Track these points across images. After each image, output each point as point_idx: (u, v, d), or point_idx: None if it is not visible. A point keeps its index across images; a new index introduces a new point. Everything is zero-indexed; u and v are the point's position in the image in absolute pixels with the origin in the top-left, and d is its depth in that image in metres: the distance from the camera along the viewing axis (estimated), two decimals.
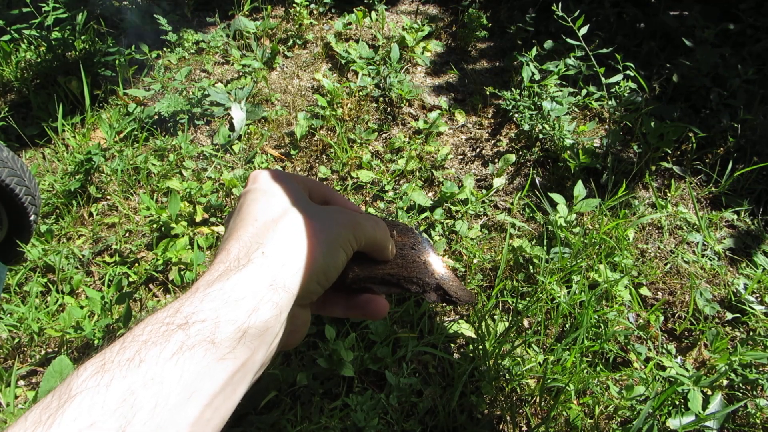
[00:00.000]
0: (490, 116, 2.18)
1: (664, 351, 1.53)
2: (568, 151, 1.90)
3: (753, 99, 2.12)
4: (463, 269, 1.66)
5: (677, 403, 1.36)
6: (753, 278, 1.63)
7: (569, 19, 1.92)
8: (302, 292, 0.46)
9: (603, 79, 1.96)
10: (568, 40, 2.02)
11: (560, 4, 2.06)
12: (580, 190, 1.71)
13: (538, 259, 1.62)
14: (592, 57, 1.94)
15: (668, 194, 1.90)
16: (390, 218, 0.75)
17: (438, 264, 0.70)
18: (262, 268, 0.45)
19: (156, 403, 0.35)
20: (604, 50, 2.02)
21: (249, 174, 1.88)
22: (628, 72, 2.11)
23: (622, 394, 1.32)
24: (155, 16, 2.16)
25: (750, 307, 1.57)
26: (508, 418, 1.35)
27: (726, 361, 1.37)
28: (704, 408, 1.32)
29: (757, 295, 1.64)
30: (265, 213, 0.50)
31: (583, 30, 1.93)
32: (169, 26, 2.17)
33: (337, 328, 1.41)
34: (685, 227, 1.82)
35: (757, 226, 1.84)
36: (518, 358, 1.43)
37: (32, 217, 1.57)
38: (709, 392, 1.36)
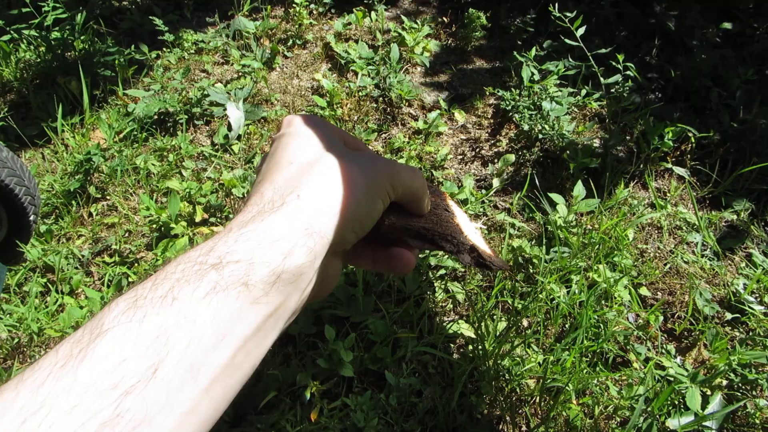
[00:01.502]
0: (489, 116, 2.18)
1: (663, 351, 1.53)
2: (568, 151, 1.90)
3: (752, 99, 2.12)
4: (463, 269, 1.66)
5: (677, 403, 1.36)
6: (752, 278, 1.63)
7: (566, 20, 1.92)
8: (337, 238, 0.45)
9: (602, 79, 1.96)
10: (566, 40, 2.02)
11: (558, 4, 2.06)
12: (579, 190, 1.71)
13: (537, 259, 1.62)
14: (590, 57, 1.94)
15: (668, 194, 1.90)
16: None
17: (470, 229, 0.69)
18: (298, 211, 0.44)
19: (189, 342, 0.34)
20: (603, 50, 2.02)
21: (248, 174, 1.89)
22: (628, 72, 2.11)
23: (621, 394, 1.32)
24: (151, 17, 2.16)
25: (749, 307, 1.57)
26: (507, 418, 1.35)
27: (725, 361, 1.37)
28: (703, 408, 1.32)
29: (757, 295, 1.64)
30: (300, 156, 0.49)
31: (581, 30, 1.93)
32: (166, 27, 2.17)
33: (336, 328, 1.41)
34: (684, 227, 1.82)
35: (756, 227, 1.84)
36: (518, 358, 1.43)
37: (32, 218, 1.57)
38: (709, 392, 1.36)
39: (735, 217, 1.86)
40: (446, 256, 1.67)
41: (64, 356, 0.32)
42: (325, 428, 1.23)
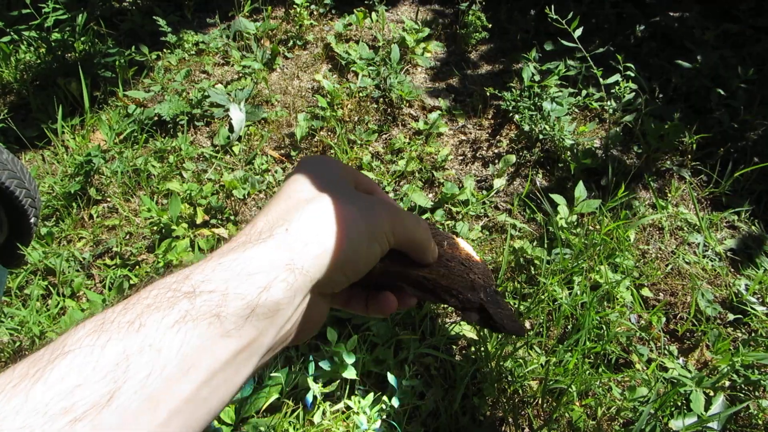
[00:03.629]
0: (490, 117, 2.18)
1: (666, 352, 1.52)
2: (569, 152, 1.90)
3: (753, 99, 2.12)
4: None
5: (680, 404, 1.36)
6: (754, 279, 1.63)
7: (563, 21, 1.92)
8: (324, 279, 0.43)
9: (601, 79, 1.95)
10: (564, 42, 2.02)
11: (554, 6, 2.06)
12: (581, 191, 1.71)
13: (539, 260, 1.61)
14: (589, 58, 1.94)
15: (669, 195, 1.90)
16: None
17: (487, 285, 0.66)
18: (282, 244, 0.42)
19: (150, 372, 0.33)
20: (600, 50, 2.02)
21: (249, 176, 1.89)
22: (628, 73, 2.11)
23: (624, 396, 1.32)
24: (154, 17, 2.16)
25: (752, 308, 1.57)
26: (510, 419, 1.35)
27: (728, 362, 1.37)
28: (706, 409, 1.32)
29: (759, 296, 1.64)
30: (300, 193, 0.48)
31: (578, 32, 1.92)
32: (169, 27, 2.16)
33: (339, 330, 1.41)
34: (686, 228, 1.82)
35: (758, 227, 1.84)
36: (520, 360, 1.42)
37: (32, 220, 1.57)
38: (711, 393, 1.36)
39: (736, 217, 1.86)
40: None
41: (19, 375, 0.31)
42: (327, 431, 1.23)
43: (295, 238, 0.43)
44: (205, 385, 0.36)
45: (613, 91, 2.04)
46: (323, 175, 0.50)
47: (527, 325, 1.56)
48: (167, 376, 0.34)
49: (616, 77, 1.98)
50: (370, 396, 1.28)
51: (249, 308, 0.38)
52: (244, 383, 0.40)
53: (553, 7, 1.99)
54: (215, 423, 1.29)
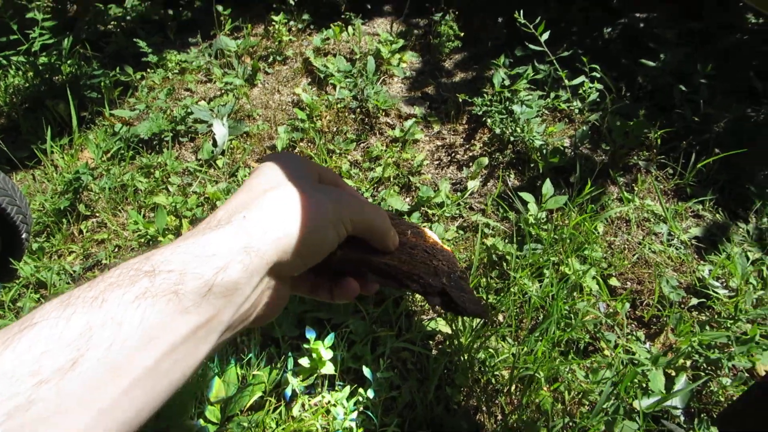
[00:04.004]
0: (464, 122, 2.26)
1: (633, 338, 1.60)
2: (538, 152, 1.98)
3: (715, 94, 2.21)
4: None
5: (645, 385, 1.43)
6: (716, 264, 1.70)
7: (531, 26, 2.00)
8: (281, 262, 0.46)
9: (566, 81, 2.04)
10: (531, 46, 2.10)
11: (523, 12, 2.15)
12: (548, 188, 1.79)
13: (509, 255, 1.69)
14: (555, 61, 2.03)
15: (636, 188, 1.98)
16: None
17: (451, 271, 0.71)
18: (240, 230, 0.45)
19: (112, 343, 0.35)
20: (566, 53, 2.11)
21: (232, 187, 1.97)
22: (594, 74, 2.20)
23: (588, 378, 1.39)
24: (135, 39, 2.24)
25: (714, 291, 1.65)
26: (483, 408, 1.42)
27: (688, 343, 1.45)
28: (670, 389, 1.39)
29: (723, 280, 1.71)
30: (260, 184, 0.50)
31: (545, 36, 2.01)
32: (150, 48, 2.25)
33: (318, 330, 1.47)
34: (652, 219, 1.90)
35: (722, 215, 1.92)
36: (492, 351, 1.49)
37: (24, 236, 1.64)
38: (674, 373, 1.43)
39: (700, 207, 1.94)
40: None
41: None
42: (307, 424, 1.30)
43: (253, 224, 0.45)
44: (166, 357, 0.38)
45: (579, 92, 2.12)
46: (285, 168, 0.53)
47: (500, 318, 1.63)
48: (129, 348, 0.36)
49: (581, 78, 2.07)
50: (347, 389, 1.34)
51: (206, 287, 0.41)
52: (206, 358, 0.42)
53: (521, 12, 2.07)
54: (201, 422, 1.35)
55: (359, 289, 0.59)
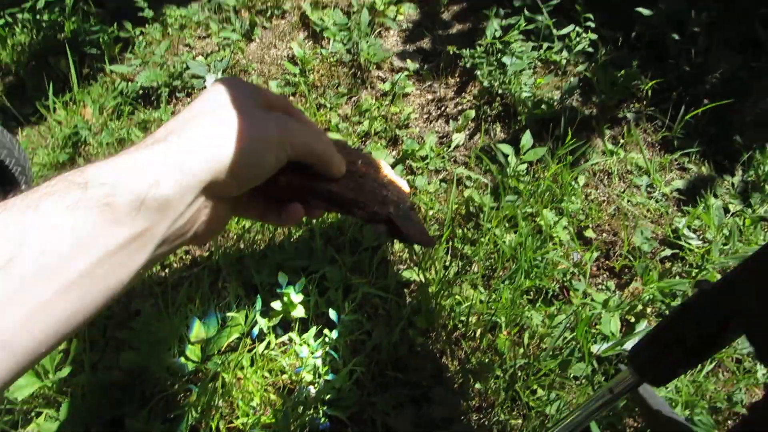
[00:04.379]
0: (456, 75, 2.27)
1: (604, 287, 1.63)
2: (523, 104, 1.99)
3: (712, 43, 2.16)
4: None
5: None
6: (691, 214, 1.71)
7: None
8: (215, 182, 0.48)
9: (554, 30, 2.02)
10: None
11: None
12: (527, 139, 1.80)
13: (485, 207, 1.73)
14: (543, 10, 2.01)
15: (622, 141, 1.98)
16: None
17: (401, 203, 0.74)
18: (172, 147, 0.46)
19: (45, 245, 0.38)
20: (554, 2, 2.09)
21: None
22: (588, 23, 2.17)
23: (545, 323, 1.44)
24: None
25: (687, 242, 1.67)
26: (447, 351, 1.49)
27: (649, 292, 1.48)
28: (629, 334, 1.44)
29: (700, 232, 1.72)
30: (201, 106, 0.51)
31: None
32: (145, 3, 2.29)
33: (289, 276, 1.55)
34: (635, 171, 1.90)
35: (707, 167, 1.91)
36: (460, 298, 1.55)
37: (23, 187, 1.74)
38: (633, 320, 1.47)
39: (686, 159, 1.93)
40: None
41: None
42: (273, 360, 1.39)
43: (187, 143, 0.47)
44: (101, 263, 0.40)
45: (570, 42, 2.10)
46: (228, 92, 0.53)
47: (474, 267, 1.68)
48: (63, 251, 0.38)
49: (570, 27, 2.05)
50: (312, 330, 1.42)
51: (138, 200, 0.42)
52: (143, 269, 0.45)
53: None
54: (182, 359, 1.45)
55: (303, 214, 0.61)
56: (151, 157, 0.45)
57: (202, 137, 0.48)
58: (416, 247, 1.70)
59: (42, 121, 2.15)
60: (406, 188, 0.77)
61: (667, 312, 1.50)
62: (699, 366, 1.37)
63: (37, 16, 2.28)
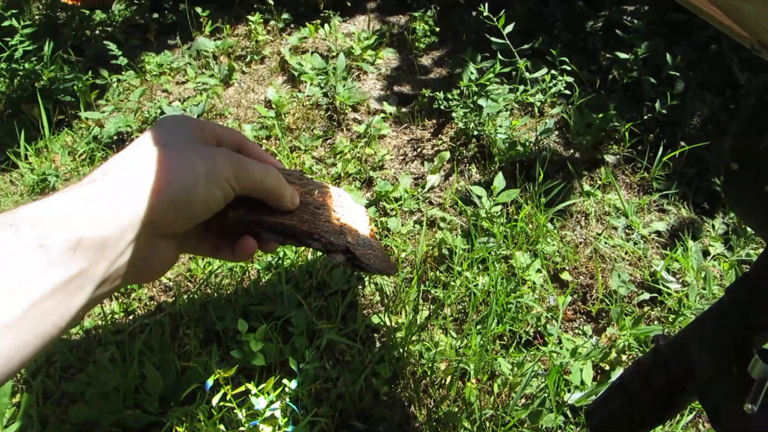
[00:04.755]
0: (433, 117, 2.26)
1: (579, 332, 1.58)
2: (497, 147, 1.97)
3: (689, 85, 2.16)
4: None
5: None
6: (669, 256, 1.66)
7: (495, 19, 1.99)
8: (156, 220, 0.47)
9: (527, 74, 2.02)
10: (493, 39, 2.09)
11: (497, 5, 2.13)
12: (499, 181, 1.77)
13: (457, 249, 1.68)
14: (516, 54, 2.01)
15: (599, 182, 1.95)
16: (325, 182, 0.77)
17: (361, 231, 0.70)
18: (111, 185, 0.45)
19: None
20: (525, 46, 2.09)
21: None
22: (564, 66, 2.17)
23: (513, 372, 1.38)
24: (105, 42, 2.30)
25: (664, 285, 1.61)
26: (415, 399, 1.42)
27: (624, 339, 1.42)
28: (604, 383, 1.37)
29: (680, 275, 1.67)
30: (140, 144, 0.50)
31: (509, 28, 1.99)
32: (119, 51, 2.30)
33: (252, 323, 1.49)
34: (613, 213, 1.86)
35: (686, 209, 1.88)
36: (429, 344, 1.49)
37: None
38: (607, 367, 1.41)
39: (666, 201, 1.90)
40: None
41: None
42: (230, 411, 1.32)
43: (125, 180, 0.46)
44: (36, 306, 0.39)
45: (546, 85, 2.10)
46: (170, 131, 0.53)
47: (446, 311, 1.63)
48: None
49: (543, 71, 2.04)
50: (271, 380, 1.36)
51: (74, 241, 0.41)
52: (82, 311, 0.43)
53: (486, 5, 2.05)
54: (139, 411, 1.38)
55: (255, 247, 0.60)
56: (87, 195, 0.44)
57: (141, 174, 0.47)
58: (387, 290, 1.65)
59: (13, 168, 2.12)
60: (366, 216, 0.74)
61: None
62: (677, 416, 1.30)
63: (14, 65, 2.28)
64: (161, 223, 0.48)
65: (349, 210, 0.71)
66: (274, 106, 2.24)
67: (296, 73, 2.45)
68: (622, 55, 2.21)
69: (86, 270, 0.42)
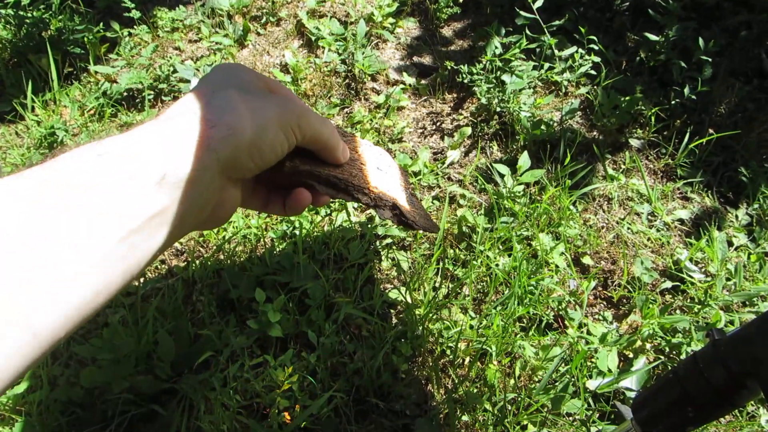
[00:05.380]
0: (454, 91, 2.20)
1: (600, 318, 1.55)
2: (521, 124, 1.91)
3: (718, 72, 2.11)
4: (411, 239, 1.69)
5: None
6: (694, 246, 1.63)
7: None
8: (231, 161, 0.47)
9: (556, 51, 1.96)
10: (523, 13, 2.02)
11: None
12: (524, 160, 1.73)
13: (479, 227, 1.64)
14: (546, 30, 1.95)
15: (623, 167, 1.91)
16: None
17: (404, 190, 0.72)
18: (192, 123, 0.46)
19: (67, 221, 0.37)
20: (557, 23, 2.03)
21: None
22: (591, 46, 2.11)
23: (538, 355, 1.35)
24: None
25: (689, 275, 1.59)
26: (434, 378, 1.39)
27: (648, 327, 1.39)
28: (626, 371, 1.35)
29: (702, 265, 1.65)
30: (209, 87, 0.51)
31: (539, 2, 1.93)
32: (132, 3, 2.22)
33: (268, 293, 1.46)
34: (636, 199, 1.83)
35: (710, 198, 1.84)
36: (449, 323, 1.46)
37: None
38: (631, 355, 1.39)
39: (689, 189, 1.86)
40: (393, 225, 1.70)
41: None
42: (247, 382, 1.28)
43: (204, 120, 0.46)
44: (123, 241, 0.39)
45: (573, 64, 2.04)
46: (234, 73, 0.54)
47: (465, 290, 1.59)
48: (86, 228, 0.38)
49: (572, 49, 1.98)
50: (290, 352, 1.32)
51: (160, 176, 0.42)
52: (160, 249, 0.44)
53: None
54: (149, 377, 1.35)
55: (310, 200, 0.61)
56: (169, 132, 0.44)
57: (218, 114, 0.47)
58: (404, 265, 1.61)
59: (19, 120, 2.05)
60: (406, 176, 0.75)
61: (667, 349, 1.41)
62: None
63: (21, 12, 2.19)
64: (235, 166, 0.48)
65: (391, 168, 0.72)
66: (291, 70, 2.17)
67: (313, 38, 2.37)
68: (652, 37, 2.15)
69: (168, 207, 0.43)
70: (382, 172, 0.67)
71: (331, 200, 0.66)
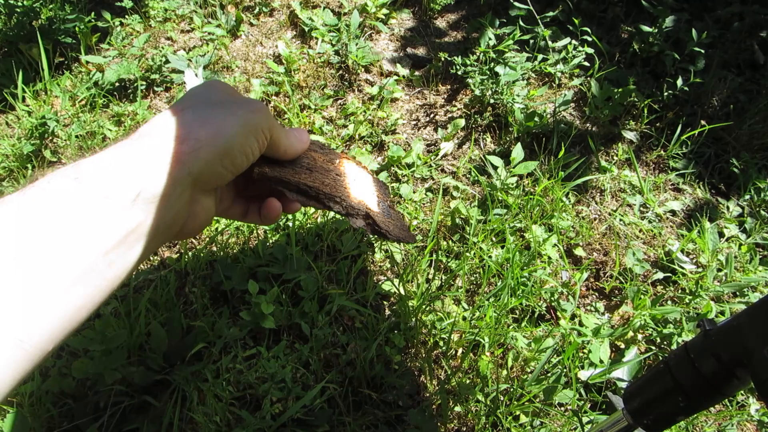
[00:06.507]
0: (447, 83, 2.20)
1: (592, 309, 1.56)
2: (514, 116, 1.91)
3: (711, 64, 2.11)
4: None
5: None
6: (685, 237, 1.64)
7: None
8: (203, 172, 0.49)
9: (549, 42, 1.96)
10: (517, 4, 2.02)
11: None
12: (518, 152, 1.73)
13: (472, 219, 1.64)
14: (539, 21, 1.94)
15: (615, 158, 1.91)
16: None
17: (381, 199, 0.72)
18: (160, 140, 0.47)
19: (50, 240, 0.39)
20: (550, 14, 2.02)
21: None
22: (584, 37, 2.11)
23: (530, 346, 1.36)
24: None
25: (680, 266, 1.59)
26: (426, 369, 1.39)
27: (640, 318, 1.40)
28: (618, 361, 1.36)
29: (693, 256, 1.66)
30: (180, 106, 0.53)
31: None
32: None
33: (261, 284, 1.45)
34: (628, 190, 1.83)
35: (702, 189, 1.85)
36: (442, 314, 1.46)
37: None
38: (623, 346, 1.39)
39: (681, 180, 1.87)
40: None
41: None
42: (240, 374, 1.29)
43: (173, 136, 0.48)
44: (103, 258, 0.42)
45: (564, 55, 2.04)
46: (202, 94, 0.55)
47: (458, 282, 1.60)
48: (67, 247, 0.40)
49: (566, 41, 1.98)
50: (283, 343, 1.33)
51: (135, 193, 0.44)
52: (137, 262, 0.46)
53: None
54: (141, 369, 1.35)
55: (281, 208, 0.64)
56: (141, 150, 0.46)
57: (189, 128, 0.49)
58: (397, 257, 1.61)
59: (9, 110, 2.04)
60: (387, 188, 0.76)
61: (658, 339, 1.42)
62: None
63: (11, 1, 2.17)
64: (207, 176, 0.50)
65: (369, 181, 0.72)
66: (284, 61, 2.16)
67: (307, 29, 2.36)
68: (646, 28, 2.15)
69: (143, 222, 0.44)
70: (357, 183, 0.68)
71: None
